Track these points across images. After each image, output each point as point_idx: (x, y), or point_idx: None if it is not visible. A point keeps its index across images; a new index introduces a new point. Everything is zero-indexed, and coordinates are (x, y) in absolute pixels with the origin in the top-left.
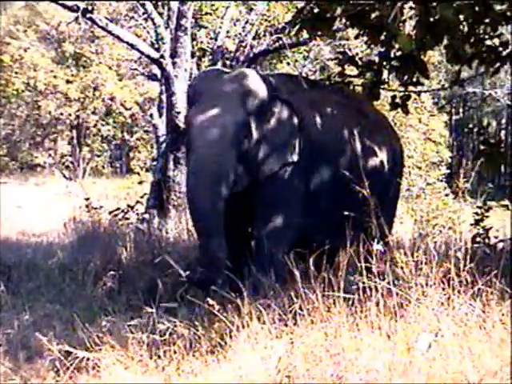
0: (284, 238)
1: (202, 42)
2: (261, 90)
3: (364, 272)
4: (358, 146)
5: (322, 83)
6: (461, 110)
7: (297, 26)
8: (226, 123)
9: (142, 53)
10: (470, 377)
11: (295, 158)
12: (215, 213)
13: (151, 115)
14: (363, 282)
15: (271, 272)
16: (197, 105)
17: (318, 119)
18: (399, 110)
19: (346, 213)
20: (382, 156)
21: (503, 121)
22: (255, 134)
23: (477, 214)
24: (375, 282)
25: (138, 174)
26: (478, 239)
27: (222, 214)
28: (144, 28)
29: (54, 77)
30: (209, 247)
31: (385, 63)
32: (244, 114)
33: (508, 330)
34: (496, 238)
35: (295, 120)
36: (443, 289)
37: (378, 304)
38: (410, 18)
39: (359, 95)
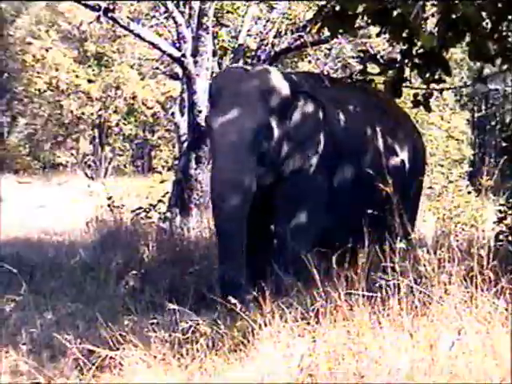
0: (307, 235)
1: (223, 41)
2: (282, 86)
3: (387, 270)
4: (381, 144)
5: (343, 81)
6: (483, 108)
7: (318, 24)
8: (245, 127)
9: (163, 52)
10: (493, 376)
11: (319, 151)
12: (236, 232)
13: (173, 114)
14: (386, 280)
15: (293, 270)
16: (217, 105)
17: (341, 116)
18: (421, 107)
19: (370, 211)
20: (405, 154)
21: None
22: (277, 132)
23: (500, 211)
24: (398, 280)
25: (160, 172)
26: (501, 237)
27: (243, 230)
28: (165, 27)
29: (76, 76)
30: (227, 270)
31: (407, 61)
32: (264, 114)
33: None
34: None
35: (320, 114)
36: (466, 287)
37: (400, 302)
38: (432, 15)
39: (381, 93)
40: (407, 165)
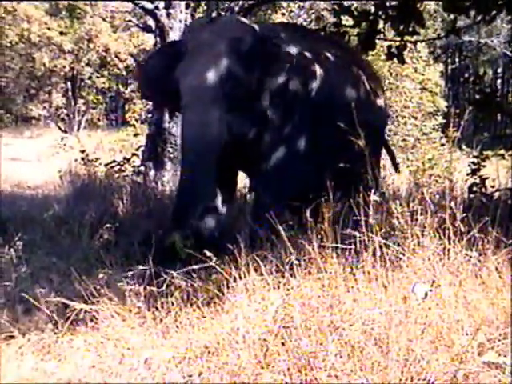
0: (284, 189)
1: None
2: (249, 34)
3: (361, 223)
4: (355, 96)
5: (316, 32)
6: (457, 60)
7: None
8: (210, 77)
9: (136, 4)
10: (466, 325)
11: (299, 100)
12: (204, 186)
13: None
14: (360, 233)
15: (268, 223)
16: (184, 58)
17: (317, 67)
18: (395, 59)
19: (342, 164)
20: (375, 106)
21: (499, 70)
22: (248, 82)
23: (473, 163)
24: (371, 233)
25: (134, 126)
26: (474, 189)
27: (211, 184)
28: None
29: (48, 29)
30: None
31: (380, 13)
32: (230, 63)
33: (504, 278)
34: (492, 187)
35: (295, 62)
36: (439, 238)
37: (374, 254)
38: None
39: (349, 45)
40: (380, 118)
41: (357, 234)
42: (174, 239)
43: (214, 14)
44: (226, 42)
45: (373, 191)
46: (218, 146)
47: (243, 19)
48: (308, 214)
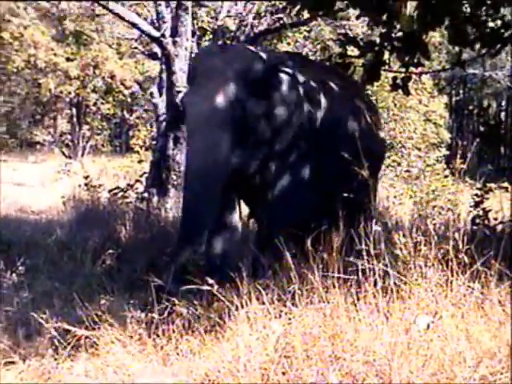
0: (287, 218)
1: (202, 21)
2: (259, 63)
3: (363, 253)
4: (359, 128)
5: (320, 62)
6: (461, 92)
7: (298, 6)
8: (217, 104)
9: (142, 31)
10: (468, 358)
11: (304, 131)
12: (206, 214)
13: (151, 94)
14: (362, 264)
15: (271, 251)
16: (192, 83)
17: (321, 97)
18: (400, 90)
19: (345, 194)
20: (378, 139)
21: (503, 102)
22: (255, 110)
23: (476, 195)
24: (373, 264)
25: (138, 152)
26: (477, 221)
27: (213, 212)
28: (145, 6)
29: (55, 55)
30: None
31: (386, 44)
32: (238, 92)
33: (506, 311)
34: (495, 219)
35: (302, 93)
36: (442, 270)
37: (376, 285)
38: None
39: (350, 76)
40: (377, 148)
41: (359, 263)
42: (184, 260)
43: (219, 43)
44: (233, 68)
45: (374, 221)
46: (225, 173)
47: (251, 47)
48: (309, 242)
